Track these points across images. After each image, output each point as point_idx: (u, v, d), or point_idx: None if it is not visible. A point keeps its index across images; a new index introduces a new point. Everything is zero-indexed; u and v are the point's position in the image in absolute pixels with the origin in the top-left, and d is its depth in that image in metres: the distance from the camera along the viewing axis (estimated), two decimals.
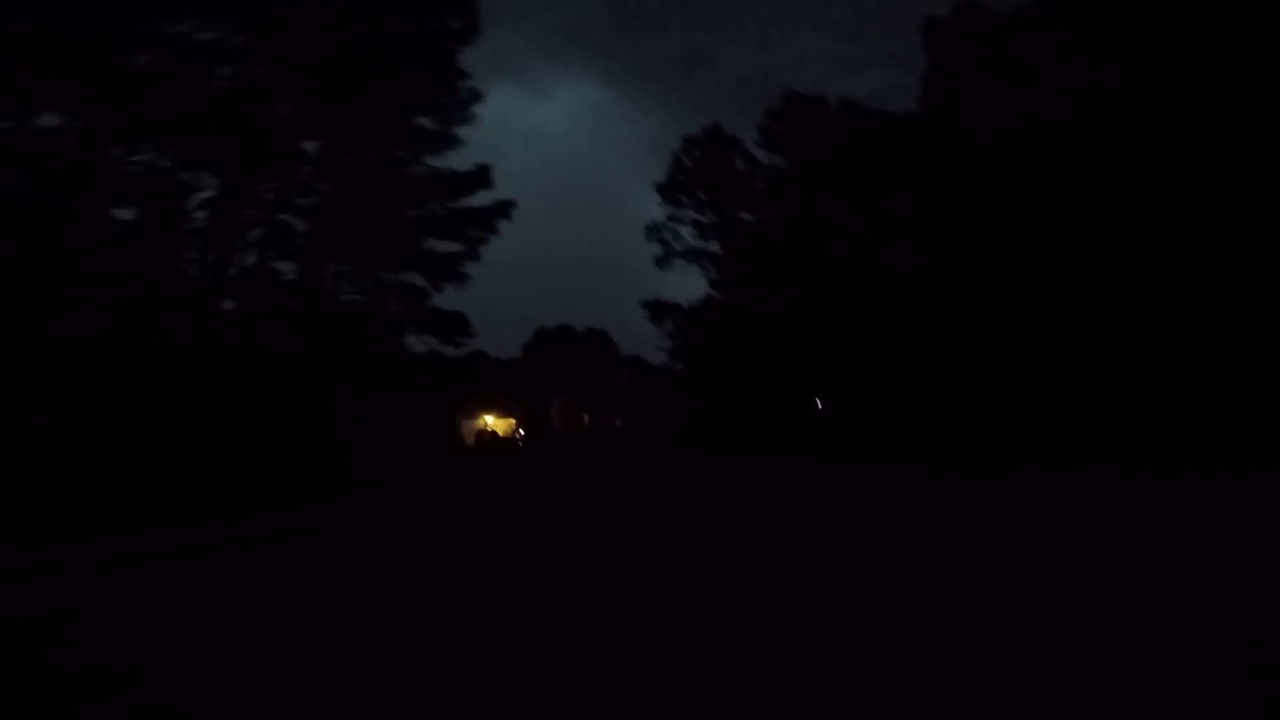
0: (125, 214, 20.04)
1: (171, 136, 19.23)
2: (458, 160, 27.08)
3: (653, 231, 42.94)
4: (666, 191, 43.02)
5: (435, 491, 20.08)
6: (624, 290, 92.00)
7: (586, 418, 69.97)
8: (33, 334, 16.18)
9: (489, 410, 59.39)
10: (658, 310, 44.54)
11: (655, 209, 43.52)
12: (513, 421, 59.49)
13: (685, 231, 42.87)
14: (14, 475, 12.68)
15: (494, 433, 56.19)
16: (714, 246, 42.63)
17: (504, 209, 28.10)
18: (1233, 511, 11.13)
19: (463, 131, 26.28)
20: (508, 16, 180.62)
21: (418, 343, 31.31)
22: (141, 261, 19.31)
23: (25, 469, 13.16)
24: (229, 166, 21.19)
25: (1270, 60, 21.58)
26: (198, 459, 16.78)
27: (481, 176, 27.38)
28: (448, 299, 29.49)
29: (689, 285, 44.88)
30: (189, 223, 20.78)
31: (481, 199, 27.91)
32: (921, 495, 15.43)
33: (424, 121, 25.50)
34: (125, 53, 18.37)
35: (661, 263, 43.00)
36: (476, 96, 26.14)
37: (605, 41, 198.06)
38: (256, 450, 18.84)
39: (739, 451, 32.46)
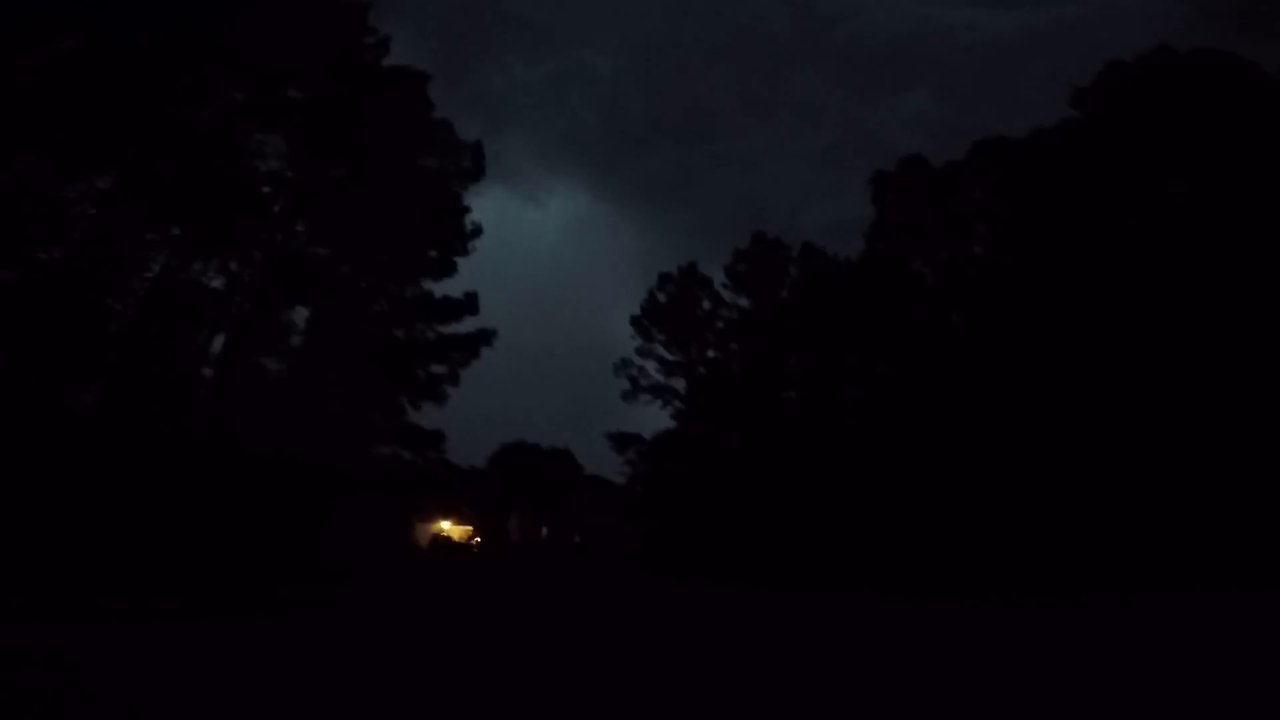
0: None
1: (201, 228, 20.82)
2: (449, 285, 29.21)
3: (621, 367, 45.28)
4: (639, 325, 45.40)
5: (395, 585, 22.16)
6: (594, 409, 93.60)
7: (545, 531, 70.08)
8: (45, 406, 17.56)
9: (448, 517, 59.96)
10: (621, 441, 46.40)
11: (628, 332, 45.53)
12: (469, 529, 59.92)
13: (651, 367, 45.18)
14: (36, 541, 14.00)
15: (449, 538, 57.09)
16: (678, 383, 44.83)
17: (487, 337, 29.94)
18: None
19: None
20: (511, 122, 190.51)
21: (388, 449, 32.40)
22: (152, 350, 20.75)
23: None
24: (244, 266, 23.12)
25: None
26: (177, 543, 18.15)
27: (470, 304, 29.42)
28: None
29: (654, 413, 46.84)
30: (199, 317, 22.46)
31: (467, 325, 29.73)
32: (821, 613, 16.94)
33: (429, 251, 27.93)
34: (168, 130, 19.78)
35: (628, 397, 45.14)
36: (478, 232, 28.86)
37: (601, 155, 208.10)
38: (233, 540, 20.15)
39: (690, 572, 33.85)
